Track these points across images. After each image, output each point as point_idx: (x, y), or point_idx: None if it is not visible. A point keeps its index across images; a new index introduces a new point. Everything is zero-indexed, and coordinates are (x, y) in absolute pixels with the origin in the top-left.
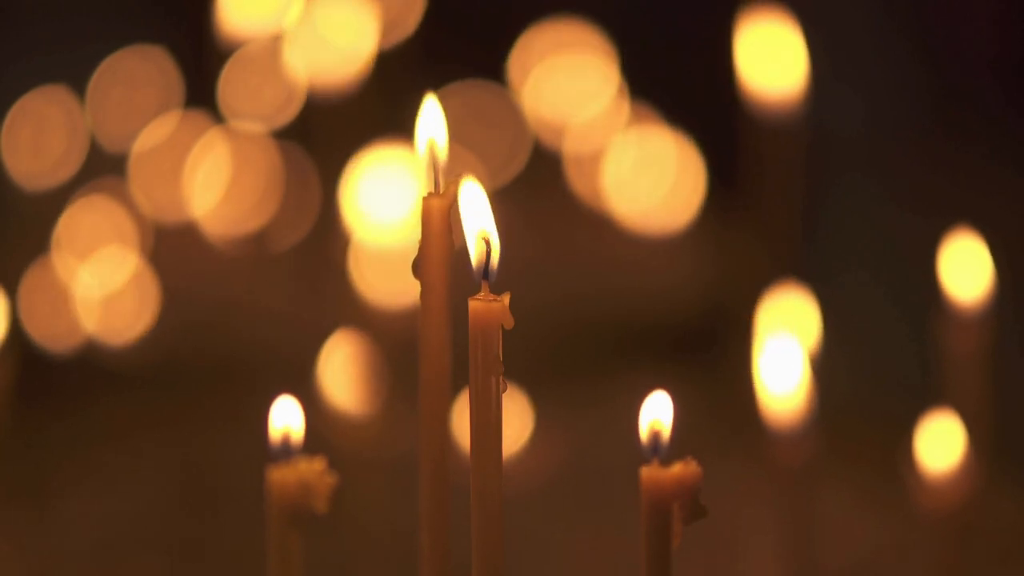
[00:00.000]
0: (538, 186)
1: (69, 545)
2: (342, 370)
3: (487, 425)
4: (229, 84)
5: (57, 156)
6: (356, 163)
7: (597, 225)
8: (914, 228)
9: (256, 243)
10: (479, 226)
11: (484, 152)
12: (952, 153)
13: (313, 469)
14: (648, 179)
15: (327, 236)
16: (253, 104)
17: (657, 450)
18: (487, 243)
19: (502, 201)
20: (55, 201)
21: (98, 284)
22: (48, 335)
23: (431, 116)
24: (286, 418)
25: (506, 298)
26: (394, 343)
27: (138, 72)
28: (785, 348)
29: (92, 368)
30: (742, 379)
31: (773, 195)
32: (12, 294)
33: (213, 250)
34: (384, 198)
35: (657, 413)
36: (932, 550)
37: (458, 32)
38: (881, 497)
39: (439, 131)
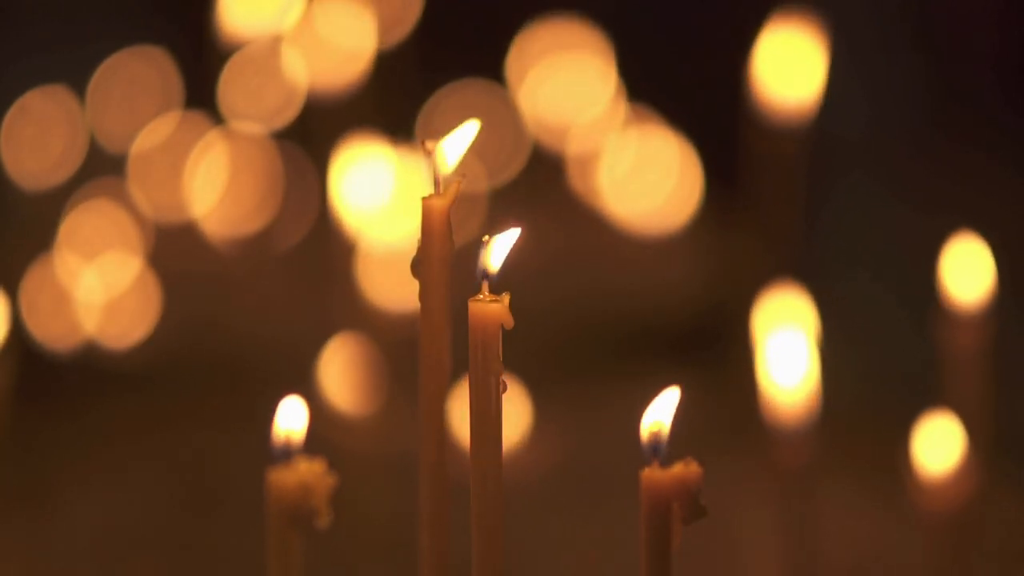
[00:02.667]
0: (537, 186)
1: (69, 545)
2: (342, 370)
3: (487, 425)
4: (229, 85)
5: (57, 156)
6: (355, 163)
7: (597, 225)
8: (915, 228)
9: (256, 244)
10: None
11: (484, 152)
12: (953, 153)
13: (313, 470)
14: (648, 179)
15: (327, 236)
16: (253, 105)
17: (657, 451)
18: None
19: (502, 202)
20: (55, 201)
21: (99, 285)
22: (49, 335)
23: (458, 144)
24: (291, 419)
25: (506, 298)
26: (394, 343)
27: (138, 72)
28: (792, 342)
29: (92, 369)
30: (742, 379)
31: (774, 195)
32: (13, 294)
33: (213, 251)
34: (383, 197)
35: (662, 413)
36: (932, 550)
37: (456, 32)
38: (881, 497)
39: (458, 153)
